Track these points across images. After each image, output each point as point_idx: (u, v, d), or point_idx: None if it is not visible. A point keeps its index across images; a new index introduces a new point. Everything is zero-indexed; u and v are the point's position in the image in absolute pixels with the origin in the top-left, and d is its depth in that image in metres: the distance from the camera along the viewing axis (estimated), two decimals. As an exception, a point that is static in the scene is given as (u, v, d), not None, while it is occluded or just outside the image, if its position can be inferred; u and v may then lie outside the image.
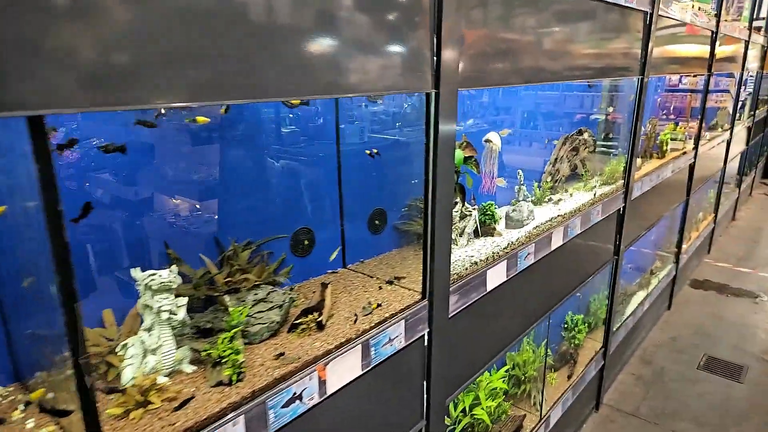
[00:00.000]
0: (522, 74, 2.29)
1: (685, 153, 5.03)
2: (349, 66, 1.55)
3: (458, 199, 2.43)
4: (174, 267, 1.57)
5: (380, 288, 2.17)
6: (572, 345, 4.04)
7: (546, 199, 3.21)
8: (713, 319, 5.75)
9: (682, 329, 5.60)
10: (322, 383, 1.69)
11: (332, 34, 1.47)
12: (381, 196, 2.46)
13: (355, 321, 1.85)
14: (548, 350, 3.61)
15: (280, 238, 2.07)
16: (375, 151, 2.26)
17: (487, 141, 2.57)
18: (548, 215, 2.99)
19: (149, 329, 1.53)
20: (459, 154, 2.13)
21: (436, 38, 1.81)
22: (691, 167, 5.31)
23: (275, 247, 2.11)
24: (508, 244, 2.59)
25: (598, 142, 3.67)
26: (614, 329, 4.38)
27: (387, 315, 1.94)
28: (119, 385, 1.46)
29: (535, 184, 3.19)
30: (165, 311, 1.52)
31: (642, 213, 4.29)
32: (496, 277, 2.51)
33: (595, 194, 3.38)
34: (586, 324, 4.21)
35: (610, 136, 3.79)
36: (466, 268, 2.32)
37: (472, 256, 2.42)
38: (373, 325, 1.88)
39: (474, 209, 2.61)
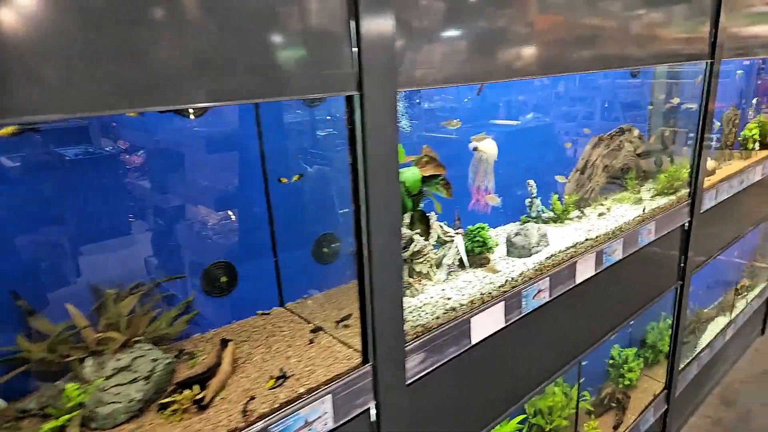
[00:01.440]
0: (506, 68, 1.69)
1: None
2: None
3: (418, 231, 1.88)
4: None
5: (311, 342, 1.69)
6: (621, 386, 3.33)
7: (571, 216, 2.55)
8: (820, 350, 4.69)
9: (778, 362, 4.61)
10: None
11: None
12: (331, 218, 1.97)
13: (244, 411, 1.38)
14: (582, 393, 2.95)
15: (174, 279, 1.64)
16: (296, 178, 1.77)
17: (476, 150, 1.99)
18: (573, 238, 2.34)
19: (-59, 419, 1.16)
20: (414, 174, 1.59)
21: (354, 17, 1.29)
22: (794, 165, 4.29)
23: (183, 288, 1.69)
24: (507, 280, 2.00)
25: (651, 142, 2.92)
26: (681, 366, 3.59)
27: (302, 390, 1.46)
28: None
29: (554, 197, 2.53)
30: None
31: (718, 227, 3.44)
32: (487, 324, 1.94)
33: (644, 209, 2.65)
34: (641, 359, 3.46)
35: (667, 134, 3.00)
36: (438, 317, 1.77)
37: (449, 299, 1.86)
38: (278, 405, 1.40)
39: (458, 234, 2.04)
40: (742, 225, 3.88)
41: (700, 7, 2.62)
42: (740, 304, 4.37)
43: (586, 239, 2.33)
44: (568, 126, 2.78)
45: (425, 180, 1.65)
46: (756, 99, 4.30)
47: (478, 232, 2.06)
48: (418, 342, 1.70)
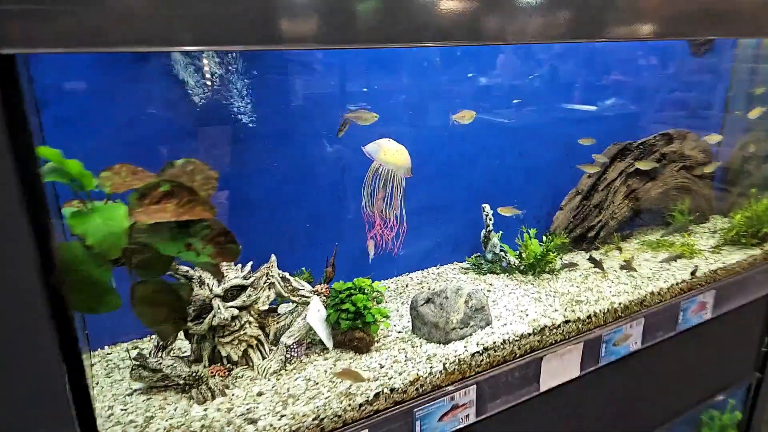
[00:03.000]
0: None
1: None
2: None
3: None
4: None
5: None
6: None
7: (555, 266, 1.56)
8: None
9: None
10: None
11: None
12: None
13: None
14: None
15: None
16: None
17: (378, 158, 1.13)
18: (543, 311, 1.39)
19: None
20: (109, 223, 0.75)
21: None
22: None
23: None
24: (384, 391, 1.13)
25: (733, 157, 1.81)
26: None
27: None
28: None
29: (526, 236, 1.56)
30: None
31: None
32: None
33: (695, 270, 1.61)
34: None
35: (753, 149, 1.85)
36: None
37: (255, 423, 1.03)
38: None
39: (316, 293, 1.21)
40: None
41: None
42: None
43: (567, 320, 1.36)
44: (571, 128, 1.76)
45: (158, 230, 0.81)
46: None
47: (348, 295, 1.20)
48: None
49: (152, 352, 1.14)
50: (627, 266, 1.63)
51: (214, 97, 1.26)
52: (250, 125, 1.27)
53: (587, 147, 1.66)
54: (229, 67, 1.23)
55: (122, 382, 1.17)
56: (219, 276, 1.05)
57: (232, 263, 1.17)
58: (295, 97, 1.38)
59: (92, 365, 1.25)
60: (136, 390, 1.15)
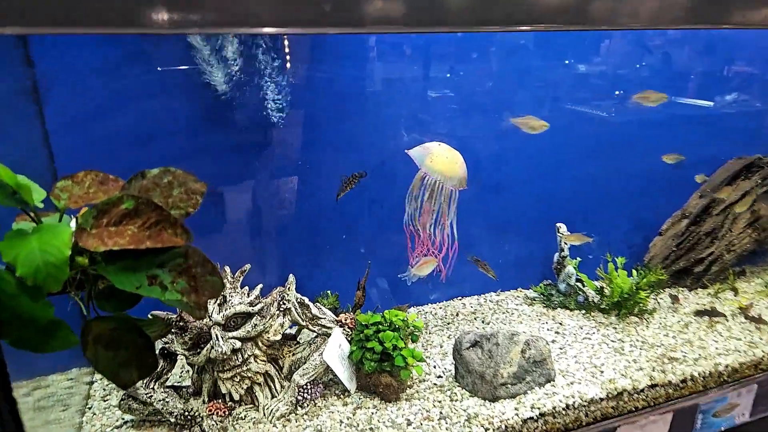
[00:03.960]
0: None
1: None
2: None
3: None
4: None
5: None
6: None
7: (646, 307, 1.25)
8: None
9: None
10: None
11: None
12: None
13: None
14: None
15: None
16: None
17: (425, 165, 0.92)
18: (621, 371, 1.10)
19: None
20: (47, 245, 0.60)
21: None
22: None
23: None
24: (408, 456, 0.91)
25: None
26: None
27: None
28: None
29: (611, 266, 1.26)
30: None
31: None
32: None
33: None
34: None
35: None
36: None
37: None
38: None
39: (339, 323, 1.02)
40: None
41: None
42: None
43: (653, 384, 1.07)
44: (685, 129, 1.41)
45: (121, 257, 0.63)
46: None
47: (376, 330, 0.99)
48: None
49: (145, 382, 0.99)
50: (749, 315, 1.29)
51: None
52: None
53: (692, 158, 1.32)
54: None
55: (116, 409, 1.04)
56: (202, 316, 0.88)
57: (238, 286, 0.99)
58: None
59: (91, 383, 1.14)
60: (127, 422, 1.01)
